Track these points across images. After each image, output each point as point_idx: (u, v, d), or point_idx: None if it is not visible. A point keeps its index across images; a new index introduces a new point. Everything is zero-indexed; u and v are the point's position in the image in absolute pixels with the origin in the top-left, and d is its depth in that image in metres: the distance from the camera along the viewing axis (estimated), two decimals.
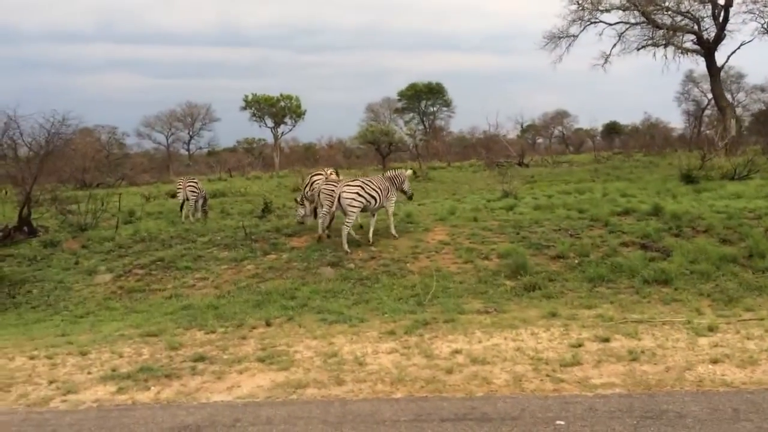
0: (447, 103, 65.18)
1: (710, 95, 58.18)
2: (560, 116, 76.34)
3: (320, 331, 8.36)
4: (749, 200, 15.06)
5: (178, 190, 18.20)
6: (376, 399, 5.89)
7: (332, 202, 12.84)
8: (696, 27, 31.44)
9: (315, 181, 15.11)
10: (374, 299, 10.02)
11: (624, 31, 32.15)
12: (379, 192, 13.05)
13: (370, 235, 13.12)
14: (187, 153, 64.58)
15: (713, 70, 31.60)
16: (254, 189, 29.68)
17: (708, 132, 61.33)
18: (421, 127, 62.77)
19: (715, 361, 6.25)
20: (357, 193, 12.71)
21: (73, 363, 7.62)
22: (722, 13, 30.62)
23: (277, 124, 55.18)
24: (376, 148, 38.52)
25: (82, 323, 9.84)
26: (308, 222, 15.15)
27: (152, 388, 6.65)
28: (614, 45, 32.71)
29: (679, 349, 6.68)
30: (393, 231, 13.37)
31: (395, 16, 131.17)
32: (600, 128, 75.02)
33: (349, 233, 12.83)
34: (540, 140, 75.39)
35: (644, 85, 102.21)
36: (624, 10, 31.47)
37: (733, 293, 8.84)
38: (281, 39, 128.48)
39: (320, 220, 13.70)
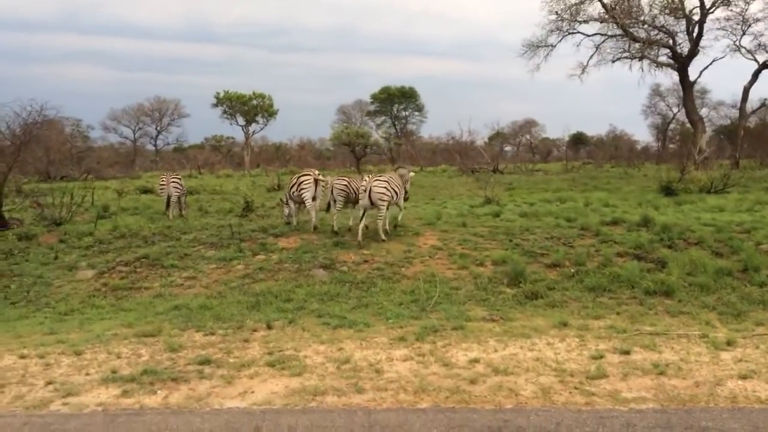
0: (419, 108, 65.19)
1: (675, 109, 59.79)
2: (529, 125, 77.25)
3: (326, 335, 8.12)
4: (732, 213, 15.33)
5: (162, 187, 17.67)
6: (401, 409, 5.69)
7: (346, 197, 13.70)
8: (671, 41, 32.06)
9: (303, 181, 14.87)
10: (374, 304, 9.81)
11: (601, 43, 32.66)
12: (398, 188, 13.54)
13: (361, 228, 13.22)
14: (154, 148, 63.18)
15: (686, 84, 32.25)
16: (228, 187, 29.14)
17: (672, 146, 62.88)
18: (392, 130, 62.61)
19: (744, 377, 6.22)
20: (386, 187, 13.05)
21: (68, 363, 7.23)
22: (696, 29, 31.28)
23: (249, 123, 54.35)
24: (351, 150, 38.24)
25: (69, 321, 9.39)
26: (294, 221, 14.94)
27: (159, 392, 6.32)
28: (591, 56, 33.21)
29: (703, 364, 6.64)
30: (383, 235, 13.27)
31: (367, 20, 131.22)
32: (567, 138, 76.24)
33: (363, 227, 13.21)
34: (508, 148, 76.08)
35: (610, 97, 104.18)
36: (602, 22, 31.93)
37: (739, 307, 8.87)
38: (252, 37, 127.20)
39: (336, 215, 14.10)
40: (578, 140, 73.41)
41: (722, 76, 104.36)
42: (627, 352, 7.00)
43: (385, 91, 63.27)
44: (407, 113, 65.15)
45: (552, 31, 32.50)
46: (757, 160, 33.27)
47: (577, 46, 33.53)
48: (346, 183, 14.05)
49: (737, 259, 11.09)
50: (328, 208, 14.33)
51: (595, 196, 20.48)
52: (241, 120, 54.32)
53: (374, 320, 8.83)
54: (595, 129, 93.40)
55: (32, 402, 6.12)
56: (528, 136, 78.65)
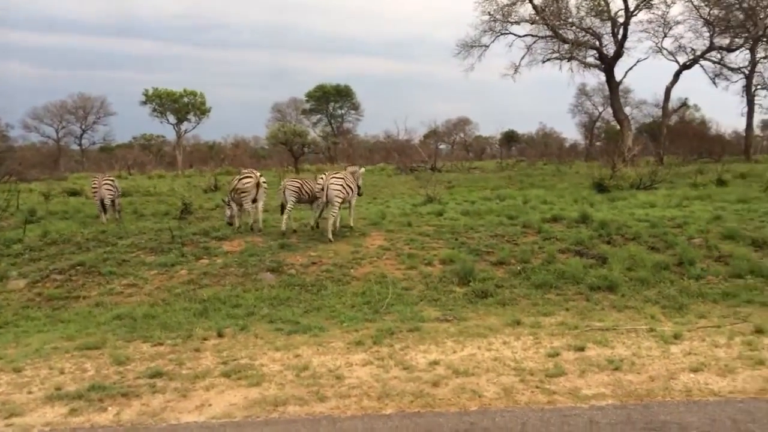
0: (355, 106, 65.15)
1: (601, 108, 62.01)
2: (463, 123, 78.54)
3: (280, 341, 7.95)
4: (663, 209, 15.97)
5: (94, 189, 16.94)
6: (367, 416, 5.62)
7: (298, 196, 13.83)
8: (597, 43, 33.17)
9: (244, 183, 14.61)
10: (326, 307, 9.69)
11: (532, 44, 33.48)
12: (353, 185, 13.85)
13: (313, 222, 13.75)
14: (79, 148, 60.68)
15: (612, 84, 33.47)
16: (162, 188, 28.31)
17: (598, 144, 65.17)
18: (329, 129, 62.32)
19: (695, 370, 6.45)
20: (341, 184, 13.28)
21: (7, 381, 6.80)
22: (621, 31, 32.47)
23: (180, 121, 53.05)
24: (288, 149, 37.80)
25: (3, 335, 8.84)
26: (237, 223, 14.67)
27: (110, 408, 6.02)
28: (523, 56, 34.01)
29: (655, 358, 6.85)
30: (330, 235, 13.22)
31: (300, 17, 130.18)
32: (499, 136, 77.96)
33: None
34: (442, 146, 77.06)
35: (540, 96, 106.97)
36: (532, 23, 32.73)
37: (680, 300, 9.22)
38: (182, 32, 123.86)
39: (286, 216, 14.03)
40: (510, 138, 75.14)
41: (643, 77, 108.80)
42: (581, 349, 7.15)
43: (321, 89, 62.92)
44: (343, 111, 65.03)
45: (485, 31, 33.16)
46: (679, 157, 34.80)
47: (510, 46, 34.29)
48: (299, 184, 14.05)
49: (672, 253, 11.54)
50: (282, 209, 14.24)
51: (533, 193, 20.97)
52: (172, 118, 52.94)
53: (328, 324, 8.71)
54: (526, 127, 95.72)
55: None
56: (462, 135, 79.95)
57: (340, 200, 13.28)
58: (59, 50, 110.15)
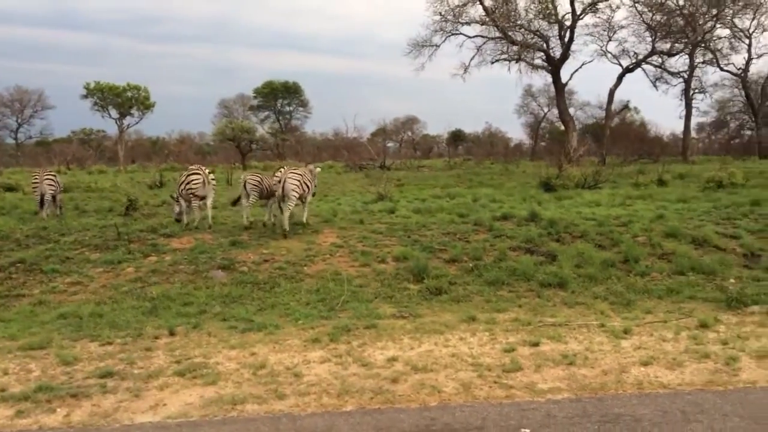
0: (303, 104, 64.73)
1: (546, 109, 63.42)
2: (411, 122, 79.01)
3: (235, 340, 7.81)
4: (608, 208, 16.41)
5: (35, 185, 16.28)
6: (327, 413, 5.57)
7: (261, 191, 13.91)
8: (545, 45, 33.89)
9: (192, 180, 14.34)
10: (280, 304, 9.58)
11: (482, 45, 33.94)
12: (309, 183, 13.96)
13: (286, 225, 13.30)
14: (14, 142, 58.22)
15: (558, 86, 34.26)
16: (104, 184, 27.47)
17: (542, 144, 66.63)
18: (277, 125, 61.66)
19: (645, 364, 6.64)
20: (299, 180, 13.42)
21: None
22: (567, 34, 33.28)
23: (123, 116, 51.57)
24: (236, 145, 37.23)
25: None
26: (185, 219, 14.40)
27: (58, 410, 5.79)
28: (473, 57, 34.43)
29: (607, 353, 7.02)
30: (286, 226, 13.21)
31: (246, 11, 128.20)
32: (446, 135, 78.87)
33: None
34: (390, 144, 77.35)
35: (486, 96, 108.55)
36: (482, 24, 33.17)
37: (627, 296, 9.49)
38: (123, 25, 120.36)
39: (245, 211, 14.19)
40: (457, 137, 76.11)
41: (587, 79, 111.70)
42: (536, 344, 7.28)
43: (269, 85, 62.24)
44: (291, 108, 64.48)
45: (436, 31, 33.39)
46: (621, 158, 35.91)
47: (460, 46, 34.64)
48: (259, 179, 14.14)
49: (618, 250, 11.86)
50: (234, 203, 14.24)
51: (482, 192, 21.26)
52: (114, 113, 51.42)
53: (283, 322, 8.61)
54: (473, 127, 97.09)
55: None
56: (410, 133, 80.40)
57: (296, 195, 13.33)
58: None
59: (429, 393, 5.94)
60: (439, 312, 9.02)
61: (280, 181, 13.33)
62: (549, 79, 35.41)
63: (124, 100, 50.81)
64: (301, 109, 65.37)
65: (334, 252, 12.14)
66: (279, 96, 63.11)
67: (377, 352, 7.19)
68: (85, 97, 51.02)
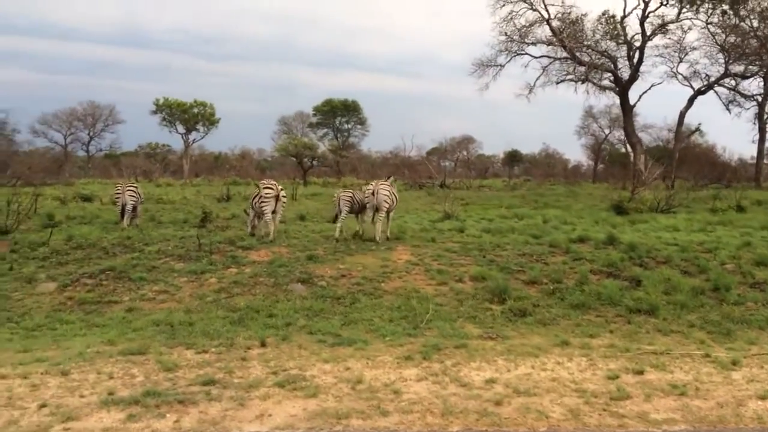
0: (362, 121, 65.30)
1: (607, 131, 62.22)
2: (466, 141, 78.65)
3: (326, 353, 7.86)
4: (688, 233, 15.92)
5: (117, 195, 16.89)
6: None
7: (351, 206, 14.81)
8: (613, 66, 33.33)
9: (265, 194, 14.68)
10: (363, 320, 9.61)
11: (548, 65, 33.63)
12: (396, 195, 14.94)
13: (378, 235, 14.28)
14: (85, 154, 60.54)
15: (626, 107, 33.59)
16: (173, 197, 28.22)
17: (601, 166, 65.33)
18: (335, 143, 62.37)
19: (762, 398, 6.36)
20: (389, 192, 14.45)
21: (56, 384, 6.70)
22: (636, 55, 32.67)
23: (189, 131, 53.09)
24: (298, 161, 37.80)
25: (40, 338, 8.75)
26: (257, 233, 14.70)
27: (168, 415, 5.93)
28: (538, 77, 34.13)
29: (718, 384, 6.77)
30: (379, 236, 14.23)
31: (305, 32, 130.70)
32: (502, 155, 78.20)
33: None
34: (445, 163, 77.16)
35: (542, 117, 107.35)
36: (549, 45, 32.89)
37: (725, 325, 9.15)
38: (188, 45, 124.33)
39: (340, 224, 14.76)
40: (513, 157, 75.37)
41: (650, 101, 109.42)
42: (640, 372, 7.07)
43: (328, 103, 63.09)
44: (350, 126, 65.14)
45: (501, 51, 33.26)
46: (690, 182, 34.91)
47: (525, 66, 34.38)
48: (351, 195, 15.05)
49: (706, 278, 11.47)
50: (335, 219, 15.16)
51: (550, 213, 20.94)
52: (180, 128, 52.99)
53: (370, 337, 8.63)
54: (528, 147, 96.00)
55: (29, 427, 5.63)
56: (465, 152, 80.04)
57: (387, 206, 14.34)
58: (72, 59, 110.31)
59: (536, 418, 5.83)
60: (527, 334, 8.88)
61: (373, 193, 14.23)
62: (614, 100, 34.83)
63: (190, 116, 52.37)
64: (359, 126, 65.99)
65: (410, 269, 12.14)
66: (338, 114, 63.87)
67: (473, 372, 7.11)
68: (155, 112, 52.86)
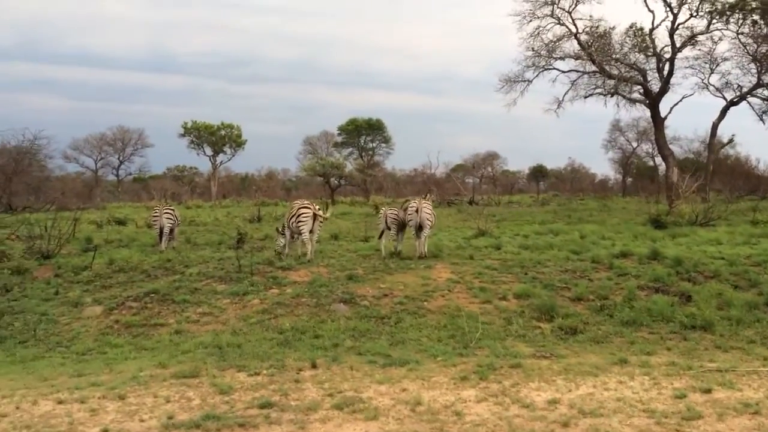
0: (386, 140, 65.23)
1: (635, 144, 61.52)
2: (491, 157, 78.25)
3: (379, 374, 7.77)
4: (732, 246, 15.56)
5: (155, 218, 17.05)
6: None
7: (399, 224, 15.06)
8: (642, 79, 32.97)
9: (302, 213, 14.71)
10: (410, 340, 9.52)
11: (576, 79, 33.35)
12: (435, 213, 15.28)
13: (425, 249, 14.61)
14: (116, 178, 61.42)
15: (657, 120, 33.11)
16: (205, 218, 28.44)
17: (629, 179, 64.54)
18: (360, 161, 62.47)
19: None
20: (431, 209, 14.81)
21: (114, 408, 6.70)
22: (666, 67, 32.29)
23: (216, 153, 53.67)
24: (325, 181, 37.94)
25: (91, 362, 8.81)
26: (287, 252, 14.80)
27: None
28: (567, 92, 33.81)
29: None
30: (424, 251, 14.57)
31: (326, 53, 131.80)
32: (526, 171, 77.67)
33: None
34: (469, 180, 76.84)
35: (566, 131, 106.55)
36: (577, 59, 32.66)
37: None
38: (213, 68, 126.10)
39: (384, 241, 15.23)
40: (538, 173, 74.85)
41: (679, 112, 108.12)
42: (708, 391, 6.86)
43: (353, 122, 63.17)
44: (374, 145, 65.19)
45: (528, 66, 33.07)
46: (724, 194, 34.30)
47: (553, 81, 34.05)
48: (396, 212, 15.32)
49: (758, 291, 11.21)
50: (380, 236, 15.49)
51: (586, 228, 20.63)
52: (208, 150, 53.59)
53: (421, 357, 8.53)
54: (552, 162, 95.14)
55: None
56: (490, 168, 79.66)
57: (430, 224, 14.66)
58: (102, 86, 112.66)
59: None
60: (581, 353, 8.71)
61: (417, 211, 14.39)
62: (643, 113, 34.42)
63: (217, 138, 52.99)
64: (383, 145, 66.00)
65: (451, 287, 12.03)
66: (362, 132, 63.98)
67: (533, 393, 6.96)
68: (183, 135, 53.55)
